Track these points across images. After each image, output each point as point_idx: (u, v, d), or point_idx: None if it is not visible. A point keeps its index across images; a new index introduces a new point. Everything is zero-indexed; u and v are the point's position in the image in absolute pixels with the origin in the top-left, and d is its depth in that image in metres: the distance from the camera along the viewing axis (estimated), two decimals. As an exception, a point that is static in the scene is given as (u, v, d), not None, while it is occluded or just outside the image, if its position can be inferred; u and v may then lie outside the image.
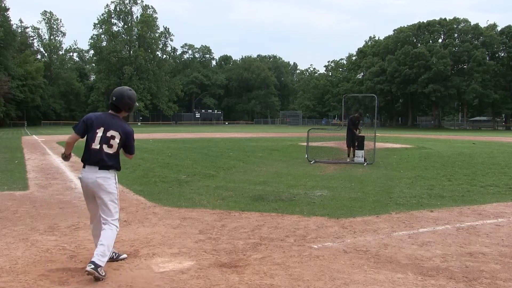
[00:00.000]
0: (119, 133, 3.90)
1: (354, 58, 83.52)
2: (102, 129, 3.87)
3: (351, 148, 13.64)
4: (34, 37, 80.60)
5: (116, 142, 3.88)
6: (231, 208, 6.48)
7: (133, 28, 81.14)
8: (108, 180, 3.86)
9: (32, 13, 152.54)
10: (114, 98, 3.92)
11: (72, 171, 10.98)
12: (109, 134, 3.87)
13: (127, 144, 4.00)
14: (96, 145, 3.86)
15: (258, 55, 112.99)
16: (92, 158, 3.86)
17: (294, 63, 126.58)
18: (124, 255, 4.21)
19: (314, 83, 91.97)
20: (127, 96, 3.93)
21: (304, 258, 4.25)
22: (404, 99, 71.87)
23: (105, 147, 3.86)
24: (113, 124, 3.90)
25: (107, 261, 3.96)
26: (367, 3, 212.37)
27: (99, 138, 3.85)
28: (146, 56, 78.60)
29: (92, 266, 3.55)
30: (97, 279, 3.56)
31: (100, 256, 3.63)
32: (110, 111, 4.01)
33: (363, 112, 15.60)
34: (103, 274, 3.61)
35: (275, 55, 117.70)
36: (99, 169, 3.84)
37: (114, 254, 4.10)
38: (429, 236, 5.08)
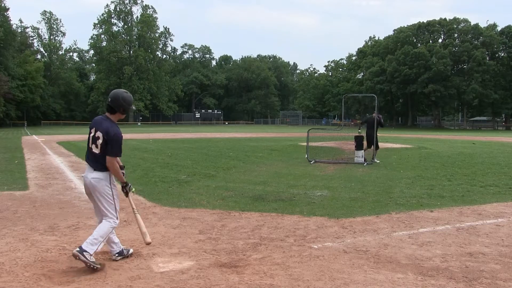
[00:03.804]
0: (103, 134, 3.94)
1: (354, 58, 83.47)
2: (93, 129, 4.04)
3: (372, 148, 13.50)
4: (34, 37, 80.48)
5: (99, 142, 3.95)
6: (231, 208, 6.48)
7: (133, 28, 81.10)
8: (101, 181, 3.96)
9: (32, 13, 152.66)
10: (109, 99, 4.03)
11: (72, 171, 10.99)
12: (96, 134, 3.98)
13: (107, 145, 3.95)
14: (89, 144, 4.08)
15: (258, 55, 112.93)
16: (87, 157, 4.10)
17: (294, 63, 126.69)
18: (131, 250, 4.33)
19: (314, 83, 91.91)
20: (121, 97, 4.02)
21: (304, 258, 4.25)
22: (404, 99, 71.85)
23: (93, 147, 4.01)
24: (101, 125, 4.00)
25: (118, 259, 4.14)
26: (368, 3, 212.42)
27: (90, 138, 4.06)
28: (146, 56, 78.56)
29: (78, 249, 3.75)
30: (86, 264, 3.71)
31: (88, 243, 3.79)
32: (106, 113, 4.12)
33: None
34: (92, 260, 3.73)
35: (275, 55, 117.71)
36: (94, 170, 3.99)
37: (125, 251, 4.24)
38: (429, 236, 5.08)
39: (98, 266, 3.78)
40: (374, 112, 13.91)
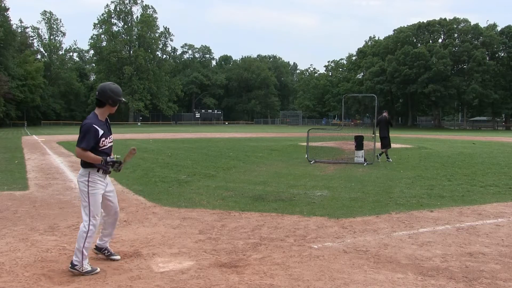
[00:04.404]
0: None
1: (354, 58, 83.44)
2: None
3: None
4: (34, 37, 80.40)
5: None
6: (231, 208, 6.48)
7: (133, 28, 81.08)
8: (80, 177, 3.90)
9: (32, 13, 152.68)
10: (97, 93, 3.94)
11: (72, 171, 10.98)
12: None
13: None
14: None
15: (258, 55, 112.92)
16: None
17: (294, 63, 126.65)
18: (117, 256, 4.20)
19: (314, 83, 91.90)
20: (109, 89, 3.89)
21: (304, 258, 4.25)
22: (404, 99, 71.84)
23: None
24: None
25: (105, 258, 4.13)
26: (367, 3, 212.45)
27: None
28: (146, 56, 78.54)
29: (70, 265, 3.81)
30: (82, 275, 3.74)
31: (75, 255, 3.81)
32: (95, 109, 3.99)
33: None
34: (86, 269, 3.75)
35: (275, 55, 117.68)
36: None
37: (106, 251, 4.19)
38: (429, 236, 5.08)
39: (96, 271, 3.78)
40: (384, 111, 14.10)
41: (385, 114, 13.95)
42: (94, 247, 4.21)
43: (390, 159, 13.54)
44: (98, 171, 3.86)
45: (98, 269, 3.81)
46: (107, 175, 4.00)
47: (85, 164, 3.88)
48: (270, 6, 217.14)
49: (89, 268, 3.77)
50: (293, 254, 4.37)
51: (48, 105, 72.35)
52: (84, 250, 3.77)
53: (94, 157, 3.79)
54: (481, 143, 24.15)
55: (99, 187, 3.88)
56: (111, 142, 4.05)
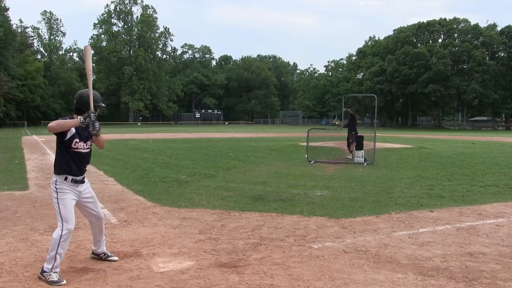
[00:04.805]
0: None
1: (354, 58, 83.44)
2: None
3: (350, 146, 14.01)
4: (34, 37, 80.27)
5: None
6: (231, 208, 6.48)
7: (133, 28, 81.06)
8: (51, 184, 3.89)
9: (32, 13, 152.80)
10: (75, 101, 3.88)
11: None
12: None
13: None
14: None
15: (258, 55, 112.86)
16: None
17: (294, 63, 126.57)
18: (115, 258, 4.19)
19: (314, 83, 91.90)
20: (86, 96, 3.81)
21: (304, 258, 4.25)
22: (404, 99, 71.83)
23: None
24: None
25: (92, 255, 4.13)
26: (367, 3, 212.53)
27: None
28: (146, 56, 78.50)
29: (40, 270, 3.72)
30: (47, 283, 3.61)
31: (46, 261, 3.71)
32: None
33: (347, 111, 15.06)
34: (52, 279, 3.59)
35: (275, 55, 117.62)
36: None
37: (103, 254, 4.17)
38: (429, 236, 5.08)
39: (62, 283, 3.58)
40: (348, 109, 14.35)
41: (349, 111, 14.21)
42: (91, 252, 4.24)
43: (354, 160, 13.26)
44: (65, 179, 3.80)
45: (64, 281, 3.59)
46: (82, 184, 3.89)
47: (55, 171, 3.85)
48: (270, 6, 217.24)
49: (56, 279, 3.59)
50: (293, 254, 4.38)
51: (48, 105, 72.26)
52: (57, 256, 3.65)
53: (67, 121, 3.68)
54: (481, 143, 24.15)
55: (67, 193, 3.80)
56: (88, 150, 3.92)
